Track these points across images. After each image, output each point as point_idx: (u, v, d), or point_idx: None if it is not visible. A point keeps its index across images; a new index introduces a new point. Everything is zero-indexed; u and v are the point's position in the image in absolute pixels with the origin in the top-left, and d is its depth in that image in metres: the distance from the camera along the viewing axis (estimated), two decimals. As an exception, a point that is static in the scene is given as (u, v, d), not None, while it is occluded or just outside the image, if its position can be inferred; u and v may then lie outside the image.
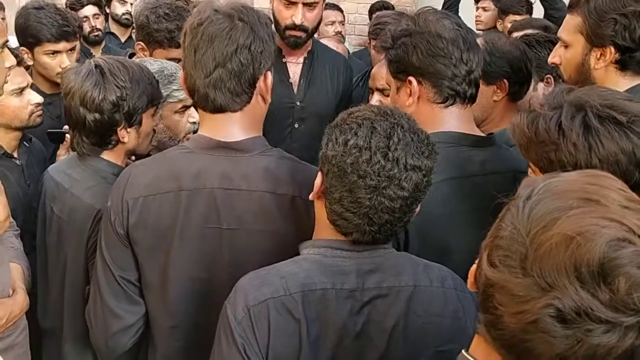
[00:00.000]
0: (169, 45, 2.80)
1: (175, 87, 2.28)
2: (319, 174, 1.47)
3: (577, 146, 1.37)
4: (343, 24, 5.03)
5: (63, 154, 2.62)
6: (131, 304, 1.74)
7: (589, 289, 0.83)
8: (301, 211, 1.64)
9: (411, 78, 1.85)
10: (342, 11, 5.05)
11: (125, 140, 2.07)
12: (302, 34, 2.92)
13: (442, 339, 1.40)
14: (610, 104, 1.40)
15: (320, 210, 1.48)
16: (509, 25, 4.64)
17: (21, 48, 3.01)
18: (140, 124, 2.09)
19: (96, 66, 2.02)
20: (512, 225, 0.91)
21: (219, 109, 1.64)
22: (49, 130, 2.67)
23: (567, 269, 0.83)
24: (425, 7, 1.98)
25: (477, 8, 5.18)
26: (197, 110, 1.79)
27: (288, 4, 2.88)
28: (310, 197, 1.50)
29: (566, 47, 2.12)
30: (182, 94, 2.27)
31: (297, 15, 2.86)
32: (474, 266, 1.01)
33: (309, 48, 3.10)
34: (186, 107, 2.32)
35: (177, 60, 2.71)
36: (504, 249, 0.91)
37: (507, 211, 0.95)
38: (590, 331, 0.83)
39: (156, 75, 2.19)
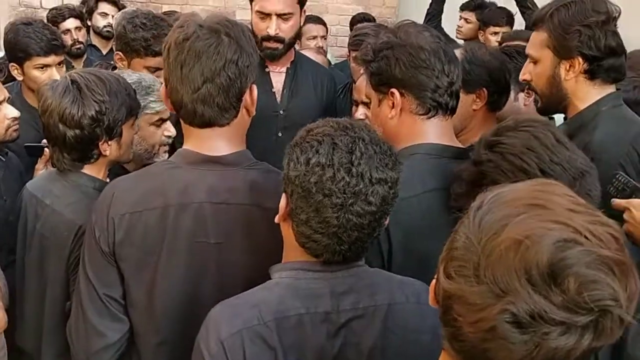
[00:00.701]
0: (145, 53, 2.84)
1: (152, 99, 2.28)
2: (283, 195, 1.42)
3: None
4: (325, 39, 5.03)
5: (41, 168, 2.60)
6: (114, 321, 1.71)
7: (540, 292, 0.83)
8: None
9: (394, 90, 1.84)
10: (325, 25, 5.06)
11: (107, 153, 2.06)
12: (278, 45, 2.94)
13: (422, 356, 1.38)
14: None
15: (287, 232, 1.44)
16: (490, 36, 4.70)
17: (11, 64, 3.06)
18: (120, 135, 2.08)
19: (72, 82, 2.00)
20: (465, 235, 0.93)
21: (207, 124, 1.64)
22: (26, 144, 2.64)
23: (518, 272, 0.84)
24: (405, 20, 1.99)
25: (460, 18, 5.22)
26: (178, 124, 1.77)
27: (263, 16, 2.91)
28: (276, 219, 1.45)
29: (535, 62, 2.17)
30: (159, 106, 2.28)
31: (272, 27, 2.89)
32: (433, 281, 1.02)
33: (292, 58, 3.12)
34: (163, 120, 2.33)
35: (155, 69, 2.79)
36: (458, 260, 0.92)
37: (460, 223, 0.96)
38: (547, 334, 0.83)
39: (134, 86, 2.19)
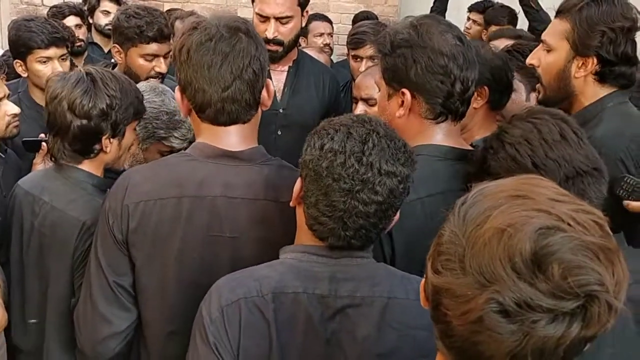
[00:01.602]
0: (139, 40, 2.91)
1: (176, 135, 2.36)
2: (299, 179, 1.48)
3: None
4: (331, 36, 5.04)
5: (39, 162, 2.60)
6: (122, 309, 1.74)
7: (525, 279, 0.83)
8: None
9: (405, 90, 1.81)
10: (331, 22, 5.06)
11: (108, 150, 2.06)
12: (278, 48, 2.93)
13: (418, 352, 1.39)
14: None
15: (300, 216, 1.50)
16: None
17: (15, 61, 3.09)
18: (123, 135, 2.09)
19: (87, 74, 2.03)
20: (449, 230, 0.94)
21: (233, 121, 1.68)
22: (24, 139, 2.64)
23: (502, 261, 0.85)
24: (430, 14, 1.96)
25: (468, 19, 5.20)
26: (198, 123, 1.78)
27: (262, 19, 2.91)
28: (291, 203, 1.51)
29: (549, 50, 2.12)
30: (178, 144, 2.36)
31: (270, 30, 2.88)
32: (423, 280, 1.02)
33: (294, 57, 3.11)
34: (172, 152, 2.34)
35: (152, 56, 2.91)
36: (444, 254, 0.93)
37: (446, 220, 0.97)
38: (535, 322, 0.83)
39: (165, 117, 2.30)
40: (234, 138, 1.70)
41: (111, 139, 2.05)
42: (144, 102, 2.22)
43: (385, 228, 1.47)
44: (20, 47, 3.05)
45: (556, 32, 2.12)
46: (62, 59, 3.11)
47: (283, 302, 1.40)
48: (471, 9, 5.24)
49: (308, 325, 1.40)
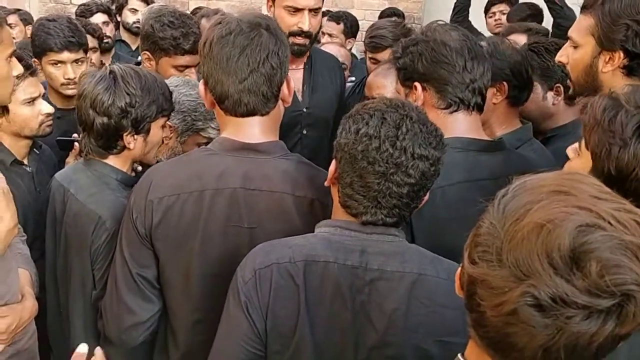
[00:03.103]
0: (174, 52, 2.78)
1: (212, 126, 2.35)
2: (334, 161, 1.54)
3: None
4: (332, 36, 4.91)
5: (71, 161, 2.66)
6: (145, 301, 1.80)
7: (562, 275, 0.84)
8: (319, 214, 1.70)
9: (416, 84, 1.92)
10: (339, 23, 4.98)
11: (131, 146, 2.10)
12: (307, 41, 2.90)
13: (445, 330, 1.42)
14: None
15: (335, 194, 1.56)
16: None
17: (33, 60, 3.02)
18: (148, 132, 2.11)
19: (110, 72, 2.07)
20: (489, 222, 0.94)
21: (250, 113, 1.71)
22: (58, 138, 2.73)
23: (540, 256, 0.85)
24: (438, 20, 2.03)
25: (495, 12, 5.18)
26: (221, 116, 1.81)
27: (294, 11, 2.83)
28: (326, 182, 1.58)
29: (575, 47, 2.11)
30: (215, 134, 2.33)
31: (305, 22, 2.82)
32: (459, 269, 1.03)
33: (307, 54, 3.08)
34: (208, 142, 2.35)
35: (184, 67, 2.77)
36: (482, 245, 0.93)
37: (486, 212, 0.98)
38: (570, 318, 0.83)
39: (202, 108, 2.29)
40: (253, 130, 1.73)
41: (134, 136, 2.08)
42: (182, 95, 2.25)
43: (417, 207, 1.52)
44: (36, 47, 3.04)
45: (581, 28, 2.09)
46: (78, 63, 3.06)
47: (313, 270, 1.45)
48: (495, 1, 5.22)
49: (337, 294, 1.45)
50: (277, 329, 1.45)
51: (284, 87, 1.76)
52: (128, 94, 2.03)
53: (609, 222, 0.86)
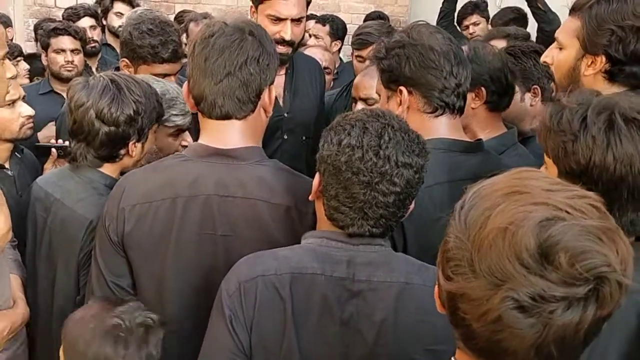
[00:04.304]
0: (152, 60, 2.76)
1: (174, 112, 2.30)
2: (317, 174, 1.53)
3: (596, 140, 1.39)
4: (318, 39, 4.93)
5: (50, 166, 2.66)
6: None
7: (536, 272, 0.85)
8: (295, 221, 1.68)
9: (402, 88, 1.90)
10: (324, 25, 5.00)
11: (134, 154, 2.10)
12: (289, 50, 2.88)
13: (435, 339, 1.42)
14: None
15: (319, 208, 1.55)
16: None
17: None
18: (147, 139, 2.13)
19: (112, 81, 2.05)
20: (454, 235, 0.95)
21: (225, 116, 1.69)
22: (36, 144, 2.74)
23: (510, 259, 0.87)
24: (419, 20, 2.03)
25: (468, 26, 5.20)
26: (197, 122, 1.81)
27: (275, 20, 2.81)
28: (310, 197, 1.57)
29: (560, 48, 2.12)
30: (180, 119, 2.31)
31: (287, 32, 2.80)
32: (436, 288, 1.04)
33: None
34: (180, 131, 2.35)
35: (163, 75, 2.71)
36: (453, 260, 0.94)
37: (449, 226, 0.99)
38: (552, 312, 0.85)
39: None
40: (229, 135, 1.71)
41: (136, 143, 2.09)
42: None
43: (403, 216, 1.52)
44: None
45: (568, 30, 2.08)
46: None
47: (300, 282, 1.44)
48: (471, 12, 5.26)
49: (324, 306, 1.43)
50: (262, 343, 1.44)
51: (265, 95, 1.73)
52: (134, 102, 2.03)
53: (567, 212, 0.88)
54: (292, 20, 2.82)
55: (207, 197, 1.66)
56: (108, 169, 2.12)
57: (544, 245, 0.86)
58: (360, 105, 2.73)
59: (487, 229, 0.90)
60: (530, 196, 0.91)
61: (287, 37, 2.82)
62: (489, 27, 5.00)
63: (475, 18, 5.17)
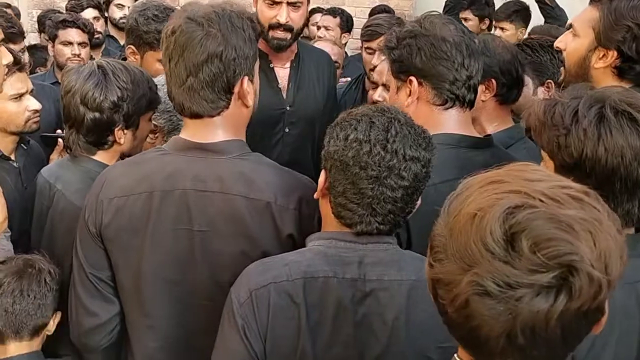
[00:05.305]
0: (159, 46, 2.72)
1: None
2: (322, 171, 1.52)
3: (587, 133, 1.39)
4: (329, 30, 4.95)
5: (55, 157, 2.66)
6: (104, 301, 1.75)
7: (500, 258, 0.85)
8: (274, 217, 1.64)
9: (412, 78, 1.87)
10: (335, 17, 5.01)
11: (122, 141, 2.09)
12: (287, 35, 2.84)
13: (445, 335, 1.40)
14: (630, 102, 1.42)
15: (325, 207, 1.53)
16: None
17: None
18: (137, 127, 2.11)
19: (99, 67, 2.05)
20: (438, 224, 0.97)
21: (195, 116, 1.66)
22: (42, 134, 2.72)
23: (476, 243, 0.87)
24: (432, 11, 2.00)
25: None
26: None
27: (272, 4, 2.79)
28: (315, 195, 1.55)
29: (575, 36, 2.09)
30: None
31: (282, 14, 2.78)
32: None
33: (295, 51, 3.04)
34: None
35: None
36: (435, 247, 0.95)
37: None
38: (519, 300, 0.84)
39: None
40: (207, 130, 1.66)
41: (124, 130, 2.07)
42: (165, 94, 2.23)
43: (411, 212, 1.51)
44: None
45: (585, 19, 2.06)
46: None
47: (313, 287, 1.42)
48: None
49: (338, 309, 1.42)
50: (277, 350, 1.42)
51: (238, 88, 1.65)
52: (119, 88, 2.02)
53: (540, 200, 0.87)
54: (289, 3, 2.80)
55: (183, 191, 1.63)
56: (103, 157, 2.11)
57: (510, 231, 0.85)
58: (380, 91, 2.69)
59: (460, 214, 0.91)
60: (509, 185, 0.91)
61: (283, 20, 2.79)
62: (481, 26, 5.01)
63: (467, 14, 5.12)
